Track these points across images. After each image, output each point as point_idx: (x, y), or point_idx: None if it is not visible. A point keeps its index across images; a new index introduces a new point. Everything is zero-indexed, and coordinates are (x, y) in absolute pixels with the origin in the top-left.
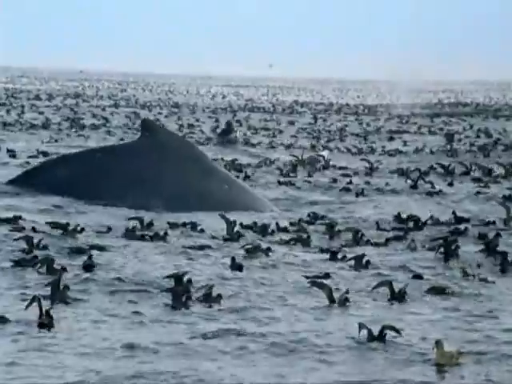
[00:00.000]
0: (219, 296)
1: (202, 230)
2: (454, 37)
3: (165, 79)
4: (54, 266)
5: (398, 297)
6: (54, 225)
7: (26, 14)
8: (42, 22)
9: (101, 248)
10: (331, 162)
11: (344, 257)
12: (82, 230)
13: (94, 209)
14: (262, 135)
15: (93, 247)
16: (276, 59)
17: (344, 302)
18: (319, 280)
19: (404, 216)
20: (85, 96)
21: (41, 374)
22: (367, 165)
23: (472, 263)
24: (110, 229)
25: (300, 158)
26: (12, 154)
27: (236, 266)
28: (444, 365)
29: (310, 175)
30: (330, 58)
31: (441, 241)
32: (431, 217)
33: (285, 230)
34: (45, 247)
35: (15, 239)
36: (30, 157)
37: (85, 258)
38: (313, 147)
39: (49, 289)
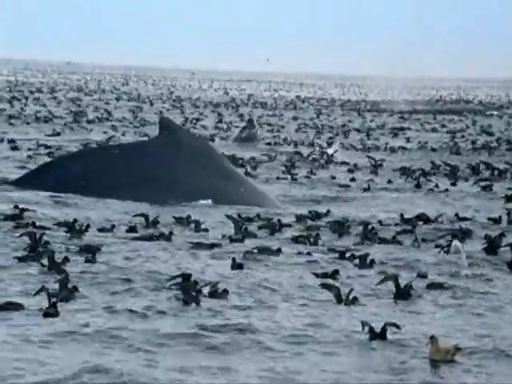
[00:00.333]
0: (225, 291)
1: (211, 228)
2: (454, 34)
3: (166, 73)
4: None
5: (403, 293)
6: (61, 224)
7: (27, 5)
8: (43, 14)
9: (109, 244)
10: (335, 159)
11: (352, 256)
12: (88, 226)
13: (109, 205)
14: (266, 130)
15: (101, 245)
16: (276, 54)
17: (352, 301)
18: (328, 280)
19: (408, 215)
20: (87, 89)
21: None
22: (371, 161)
23: (477, 261)
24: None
25: (303, 154)
26: (14, 146)
27: (236, 266)
28: (438, 361)
29: (312, 172)
30: (329, 53)
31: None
32: (440, 215)
33: (291, 226)
34: (47, 243)
35: (20, 235)
36: (30, 149)
37: (90, 255)
38: (312, 144)
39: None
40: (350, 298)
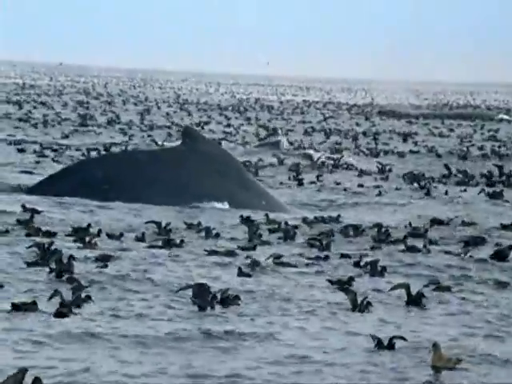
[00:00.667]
0: (237, 298)
1: (226, 233)
2: (458, 37)
3: (173, 76)
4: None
5: (415, 300)
6: (75, 229)
7: (29, 7)
8: (45, 17)
9: (121, 251)
10: (343, 164)
11: (365, 263)
12: (99, 231)
13: (128, 210)
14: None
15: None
16: (276, 57)
17: (366, 306)
18: (344, 285)
19: (418, 220)
20: (94, 92)
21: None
22: (379, 166)
23: (488, 267)
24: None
25: (311, 159)
26: (20, 148)
27: (243, 275)
28: (440, 367)
29: (319, 176)
30: (330, 57)
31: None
32: (451, 220)
33: (302, 230)
34: (56, 250)
35: (29, 246)
36: (37, 153)
37: (102, 262)
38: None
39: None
40: (365, 303)
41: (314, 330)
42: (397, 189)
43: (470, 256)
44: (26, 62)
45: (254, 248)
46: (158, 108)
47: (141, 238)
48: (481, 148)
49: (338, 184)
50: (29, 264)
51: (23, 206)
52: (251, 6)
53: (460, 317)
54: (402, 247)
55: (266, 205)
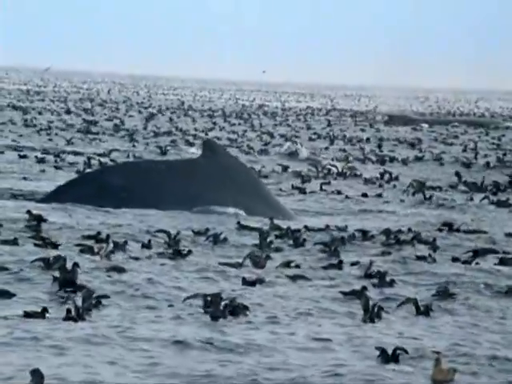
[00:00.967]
0: (245, 307)
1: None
2: (460, 45)
3: (176, 82)
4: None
5: (424, 312)
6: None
7: (31, 14)
8: (44, 23)
9: (131, 261)
10: (349, 171)
11: (377, 273)
12: (109, 236)
13: (142, 218)
14: (277, 144)
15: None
16: (278, 65)
17: (377, 314)
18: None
19: (425, 228)
20: (98, 98)
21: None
22: (384, 173)
23: (497, 277)
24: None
25: (315, 168)
26: (23, 154)
27: (248, 283)
28: (440, 381)
29: (322, 186)
30: (330, 63)
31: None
32: (459, 226)
33: (311, 238)
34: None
35: (34, 260)
36: (41, 160)
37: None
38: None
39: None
40: (376, 309)
41: (323, 338)
42: (401, 200)
43: (477, 263)
44: (24, 67)
45: (264, 256)
46: (162, 114)
47: (147, 246)
48: (485, 156)
49: (339, 193)
50: (37, 272)
51: (29, 213)
52: (253, 8)
53: (468, 326)
54: (411, 254)
55: (280, 216)
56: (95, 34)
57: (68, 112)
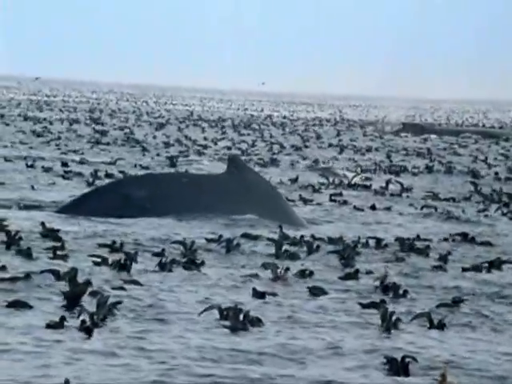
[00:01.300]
0: (259, 320)
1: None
2: (465, 55)
3: (185, 92)
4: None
5: (438, 326)
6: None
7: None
8: (46, 31)
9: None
10: (359, 181)
11: (392, 284)
12: (122, 244)
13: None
14: (288, 153)
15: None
16: (277, 76)
17: (394, 324)
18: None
19: (438, 238)
20: (108, 108)
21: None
22: (394, 183)
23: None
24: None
25: (327, 179)
26: (31, 164)
27: (258, 295)
28: None
29: (332, 197)
30: (332, 74)
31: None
32: (473, 237)
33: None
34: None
35: (45, 271)
36: (51, 170)
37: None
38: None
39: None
40: (393, 320)
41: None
42: (412, 205)
43: (489, 272)
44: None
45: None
46: (172, 124)
47: (160, 254)
48: (496, 166)
49: (349, 204)
50: (51, 284)
51: (43, 225)
52: (254, 10)
53: (481, 340)
54: (425, 265)
55: (291, 220)
56: (98, 43)
57: (78, 122)
